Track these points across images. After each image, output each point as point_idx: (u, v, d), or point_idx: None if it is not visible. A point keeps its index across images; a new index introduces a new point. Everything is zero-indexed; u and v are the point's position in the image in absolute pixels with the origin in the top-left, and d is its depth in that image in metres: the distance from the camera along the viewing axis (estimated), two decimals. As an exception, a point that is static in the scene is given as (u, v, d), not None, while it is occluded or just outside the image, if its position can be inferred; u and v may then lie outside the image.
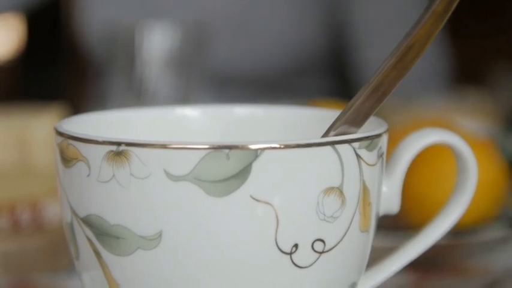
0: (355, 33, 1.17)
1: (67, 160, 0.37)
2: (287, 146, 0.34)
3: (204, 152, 0.33)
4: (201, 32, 0.84)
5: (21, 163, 0.69)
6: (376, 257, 0.41)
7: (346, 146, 0.35)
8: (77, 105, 1.11)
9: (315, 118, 0.44)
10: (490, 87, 1.22)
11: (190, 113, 0.46)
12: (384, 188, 0.39)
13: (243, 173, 0.34)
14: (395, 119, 0.72)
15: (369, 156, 0.36)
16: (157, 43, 0.81)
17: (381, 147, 0.37)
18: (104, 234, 0.36)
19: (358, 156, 0.36)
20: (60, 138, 0.37)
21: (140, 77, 0.81)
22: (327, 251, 0.36)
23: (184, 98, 0.81)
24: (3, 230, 0.56)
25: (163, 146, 0.34)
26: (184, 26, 0.82)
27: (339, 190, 0.35)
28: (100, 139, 0.35)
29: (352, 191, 0.36)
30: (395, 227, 0.56)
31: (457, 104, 0.86)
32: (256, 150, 0.34)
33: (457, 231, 0.54)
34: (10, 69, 2.42)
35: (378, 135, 0.37)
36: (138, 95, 0.81)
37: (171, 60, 0.81)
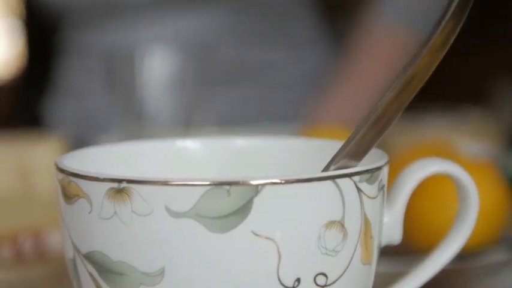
0: None
1: (69, 197, 0.37)
2: (288, 181, 0.34)
3: (205, 189, 0.33)
4: (201, 54, 0.84)
5: (23, 191, 0.69)
6: (380, 283, 0.41)
7: (346, 179, 0.35)
8: (78, 128, 1.11)
9: (314, 149, 0.44)
10: (492, 103, 1.21)
11: (191, 145, 0.46)
12: (385, 220, 0.39)
13: (243, 209, 0.34)
14: (397, 141, 0.72)
15: (369, 189, 0.36)
16: (157, 66, 0.81)
17: (381, 180, 0.37)
18: (107, 271, 0.36)
19: (359, 189, 0.36)
20: (61, 175, 0.37)
21: (140, 100, 0.81)
22: (330, 284, 0.36)
23: (186, 121, 0.81)
24: (6, 260, 0.56)
25: (165, 183, 0.34)
26: (184, 49, 0.82)
27: (340, 224, 0.35)
28: (101, 176, 0.35)
29: (353, 225, 0.36)
30: (398, 252, 0.56)
31: (458, 125, 0.86)
32: (256, 185, 0.34)
33: (461, 256, 0.53)
34: (11, 89, 2.42)
35: (379, 168, 0.37)
36: (138, 118, 0.82)
37: (171, 83, 0.81)
